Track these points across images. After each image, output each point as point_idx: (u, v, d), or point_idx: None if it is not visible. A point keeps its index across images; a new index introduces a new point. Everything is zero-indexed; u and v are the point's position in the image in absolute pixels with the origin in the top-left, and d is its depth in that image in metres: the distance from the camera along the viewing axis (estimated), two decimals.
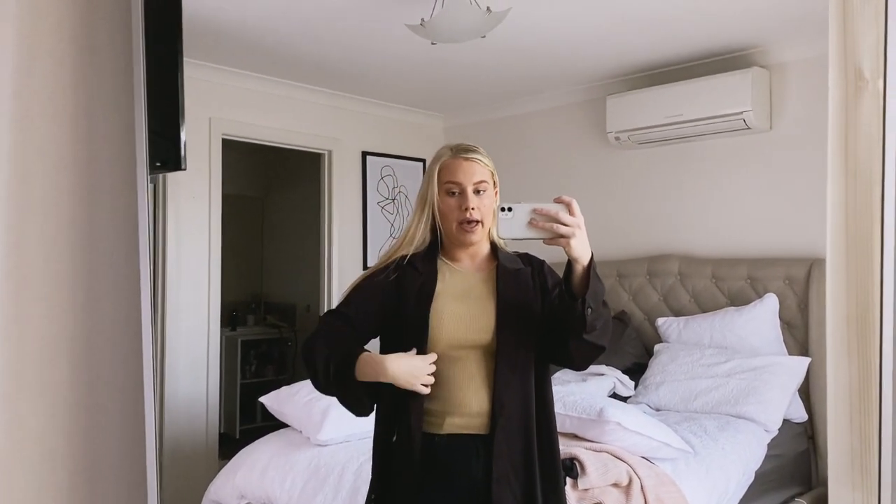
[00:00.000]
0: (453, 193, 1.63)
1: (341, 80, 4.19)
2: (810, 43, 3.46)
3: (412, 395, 1.55)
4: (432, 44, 2.87)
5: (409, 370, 1.51)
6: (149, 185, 1.10)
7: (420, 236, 1.67)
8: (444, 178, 1.64)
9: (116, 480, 1.28)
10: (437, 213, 1.65)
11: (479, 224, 1.62)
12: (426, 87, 4.38)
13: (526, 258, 1.74)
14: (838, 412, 0.97)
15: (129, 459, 1.28)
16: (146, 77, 1.07)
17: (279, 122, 4.28)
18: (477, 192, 1.62)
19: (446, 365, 1.58)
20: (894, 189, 0.87)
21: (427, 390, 1.53)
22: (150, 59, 1.13)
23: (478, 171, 1.63)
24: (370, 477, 1.67)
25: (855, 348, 0.97)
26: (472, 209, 1.60)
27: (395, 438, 1.58)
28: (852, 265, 0.98)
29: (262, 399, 3.14)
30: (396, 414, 1.59)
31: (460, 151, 1.65)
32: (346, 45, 3.55)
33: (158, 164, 1.18)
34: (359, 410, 1.61)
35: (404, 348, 1.56)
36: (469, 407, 1.59)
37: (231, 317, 5.69)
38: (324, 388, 1.59)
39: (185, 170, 1.17)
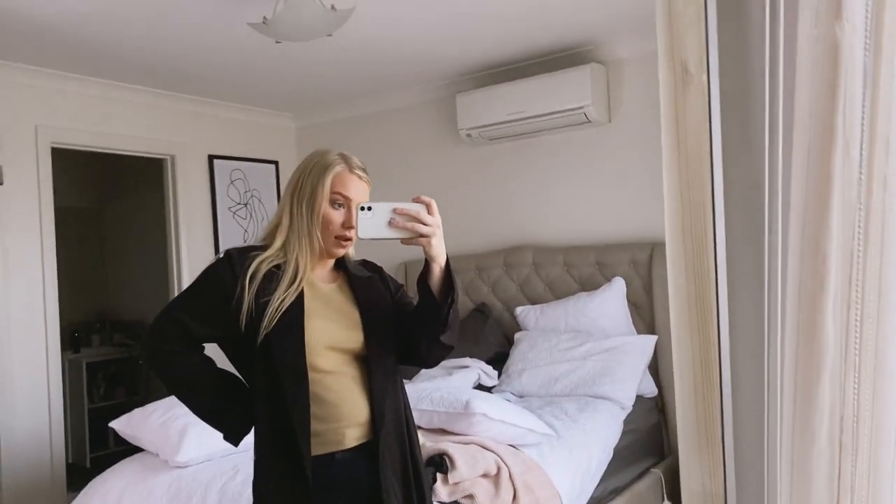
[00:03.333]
0: (339, 206, 1.57)
1: (182, 80, 3.99)
2: (643, 39, 3.68)
3: (299, 416, 1.49)
4: (277, 42, 2.79)
5: None
6: None
7: (315, 246, 1.57)
8: (334, 187, 1.57)
9: None
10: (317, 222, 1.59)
11: (351, 240, 1.60)
12: (275, 87, 4.26)
13: (369, 265, 1.74)
14: (684, 385, 1.03)
15: None
16: None
17: (114, 128, 4.01)
18: None
19: (325, 381, 1.54)
20: (721, 175, 0.93)
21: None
22: None
23: (365, 190, 1.61)
24: (245, 500, 1.61)
25: (696, 326, 1.04)
26: (353, 228, 1.56)
27: (277, 463, 1.52)
28: (689, 248, 1.04)
29: (113, 424, 2.94)
30: (279, 436, 1.52)
31: (355, 167, 1.61)
32: (185, 44, 3.38)
33: None
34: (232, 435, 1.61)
35: (280, 368, 1.50)
36: (357, 418, 1.56)
37: (73, 338, 5.29)
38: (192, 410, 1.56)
39: (1, 184, 1.06)
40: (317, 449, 1.52)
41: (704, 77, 1.02)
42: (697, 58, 1.04)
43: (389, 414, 1.58)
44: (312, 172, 1.59)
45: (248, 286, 1.50)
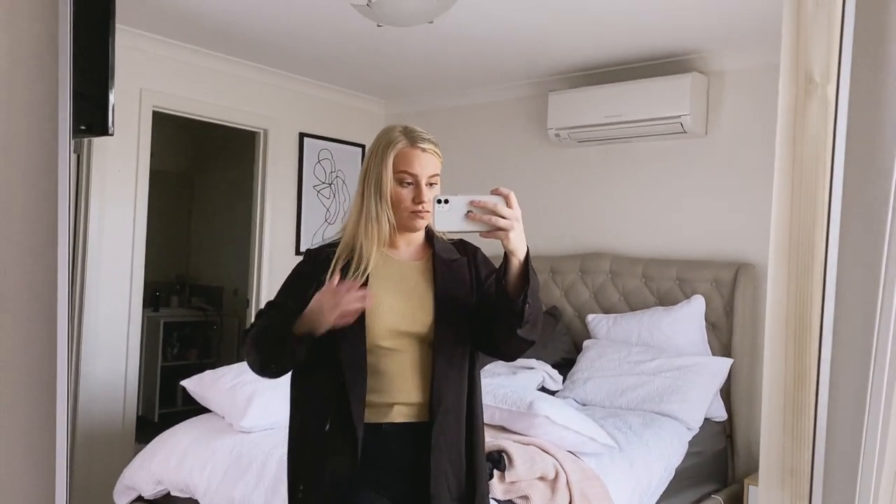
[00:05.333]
0: (407, 184, 1.56)
1: (282, 57, 4.08)
2: (748, 53, 3.55)
3: (354, 383, 1.51)
4: (378, 26, 2.81)
5: (330, 296, 1.45)
6: (72, 149, 1.02)
7: (385, 228, 1.57)
8: (398, 166, 1.56)
9: (22, 459, 1.19)
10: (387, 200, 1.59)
11: (428, 213, 1.57)
12: (370, 71, 4.30)
13: (461, 246, 1.70)
14: (773, 412, 0.98)
15: (36, 438, 1.20)
16: (73, 32, 0.99)
17: (214, 98, 4.13)
18: (429, 184, 1.57)
19: (385, 357, 1.55)
20: (840, 195, 0.87)
21: (358, 307, 1.46)
22: (78, 15, 1.05)
23: (433, 163, 1.58)
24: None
25: (792, 350, 0.98)
26: (426, 202, 1.55)
27: (328, 427, 1.53)
28: (793, 267, 0.99)
29: (184, 383, 3.04)
30: (331, 402, 1.54)
31: (417, 140, 1.58)
32: (289, 22, 3.45)
33: (83, 127, 1.09)
34: (284, 363, 1.56)
35: (340, 338, 1.51)
36: (409, 397, 1.56)
37: (154, 297, 5.49)
38: (259, 351, 1.55)
39: (111, 135, 1.09)
40: (368, 417, 1.53)
41: (830, 87, 0.96)
42: (824, 66, 0.97)
43: (450, 401, 1.56)
44: (377, 154, 1.59)
45: (325, 279, 1.53)
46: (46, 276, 1.04)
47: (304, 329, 1.47)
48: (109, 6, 1.05)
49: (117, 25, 1.14)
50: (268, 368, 1.57)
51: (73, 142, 1.12)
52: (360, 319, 1.52)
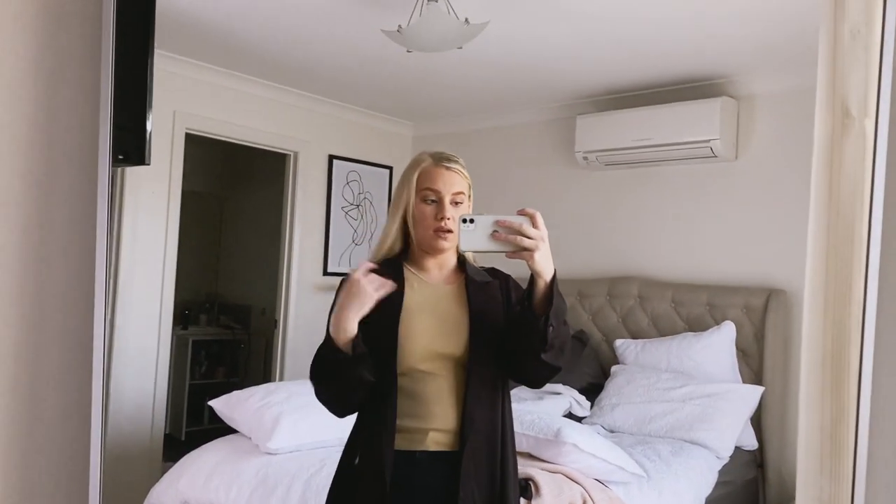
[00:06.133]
0: (431, 202, 1.57)
1: (312, 81, 4.13)
2: (779, 77, 3.52)
3: (387, 408, 1.50)
4: (408, 52, 2.84)
5: (349, 292, 1.44)
6: (110, 177, 1.04)
7: (390, 242, 1.63)
8: (422, 184, 1.58)
9: (57, 476, 1.21)
10: (409, 220, 1.61)
11: (452, 233, 1.57)
12: (398, 95, 4.34)
13: (493, 272, 1.70)
14: (810, 454, 0.95)
15: (71, 457, 1.21)
16: (114, 66, 1.02)
17: (246, 120, 4.19)
18: (454, 203, 1.57)
19: (419, 380, 1.54)
20: (880, 229, 0.86)
21: (385, 286, 1.45)
22: (119, 48, 1.08)
23: (457, 181, 1.59)
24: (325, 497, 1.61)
25: (829, 388, 0.96)
26: (448, 219, 1.55)
27: (357, 461, 1.53)
28: (830, 303, 0.97)
29: (212, 403, 3.05)
30: (365, 432, 1.53)
31: (441, 160, 1.60)
32: (320, 47, 3.50)
33: (121, 156, 1.12)
34: (354, 393, 1.52)
35: (375, 361, 1.51)
36: (445, 423, 1.54)
37: (183, 315, 5.54)
38: (324, 380, 1.52)
39: (148, 164, 1.11)
40: (400, 444, 1.51)
41: (868, 121, 0.95)
42: (861, 100, 0.96)
43: (481, 424, 1.54)
44: (404, 175, 1.62)
45: None
46: (84, 304, 1.06)
47: (343, 334, 1.44)
48: (148, 42, 1.08)
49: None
50: (341, 399, 1.54)
51: (111, 170, 1.14)
52: (393, 340, 1.51)
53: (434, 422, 1.53)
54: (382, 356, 1.50)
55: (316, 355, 1.54)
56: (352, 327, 1.44)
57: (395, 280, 1.57)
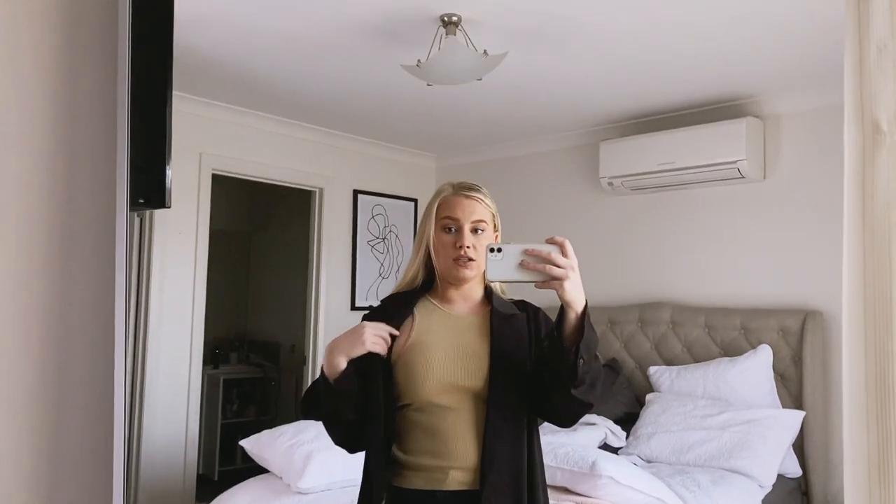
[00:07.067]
0: (450, 230, 1.55)
1: (334, 117, 4.17)
2: (804, 95, 3.48)
3: (402, 450, 1.47)
4: (428, 85, 2.85)
5: (351, 331, 1.44)
6: (129, 222, 1.04)
7: (412, 274, 1.62)
8: (441, 213, 1.57)
9: None
10: (431, 251, 1.58)
11: (474, 262, 1.55)
12: (420, 128, 4.37)
13: (521, 304, 1.65)
14: (857, 484, 0.91)
15: (95, 497, 1.20)
16: (131, 110, 1.02)
17: (270, 159, 4.24)
18: (475, 230, 1.55)
19: (437, 414, 1.49)
20: None
21: (380, 345, 1.45)
22: (137, 92, 1.08)
23: (477, 209, 1.57)
24: None
25: (874, 414, 0.91)
26: (468, 247, 1.52)
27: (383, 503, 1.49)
28: (870, 326, 0.93)
29: (243, 443, 3.04)
30: (382, 473, 1.50)
31: (461, 188, 1.59)
32: (341, 84, 3.54)
33: (142, 200, 1.12)
34: (345, 433, 1.52)
35: (393, 392, 1.49)
36: (466, 461, 1.48)
37: (213, 354, 5.57)
38: (309, 407, 1.52)
39: (169, 207, 1.11)
40: (419, 483, 1.47)
41: None
42: (892, 114, 0.93)
43: (503, 462, 1.47)
44: (428, 205, 1.62)
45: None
46: (105, 350, 1.05)
47: (329, 368, 1.45)
48: (166, 86, 1.09)
49: (176, 92, 1.18)
50: (328, 428, 1.54)
51: (130, 213, 1.14)
52: (412, 371, 1.50)
53: (455, 460, 1.48)
54: (402, 386, 1.50)
55: (311, 383, 1.55)
56: (339, 363, 1.44)
57: (404, 312, 1.57)
